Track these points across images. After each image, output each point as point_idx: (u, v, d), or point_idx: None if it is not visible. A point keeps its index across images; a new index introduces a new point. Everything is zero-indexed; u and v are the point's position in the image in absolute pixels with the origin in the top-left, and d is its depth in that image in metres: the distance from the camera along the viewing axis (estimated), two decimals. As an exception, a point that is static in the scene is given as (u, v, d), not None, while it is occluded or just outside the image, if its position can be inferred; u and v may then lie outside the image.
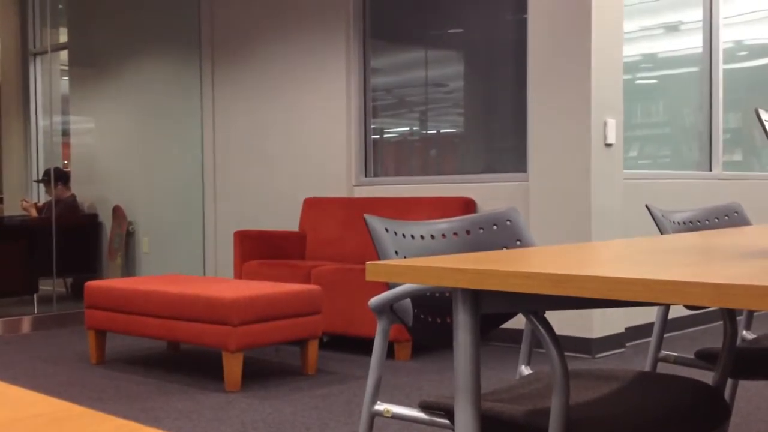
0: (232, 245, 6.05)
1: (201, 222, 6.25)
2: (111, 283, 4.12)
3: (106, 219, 6.93)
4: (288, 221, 5.69)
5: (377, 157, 5.40)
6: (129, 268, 6.78)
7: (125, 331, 3.97)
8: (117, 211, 6.78)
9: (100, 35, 7.04)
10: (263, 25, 5.82)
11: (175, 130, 6.46)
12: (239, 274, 4.94)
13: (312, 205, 5.30)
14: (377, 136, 5.41)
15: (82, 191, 7.03)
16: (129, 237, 6.77)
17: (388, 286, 1.43)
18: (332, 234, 5.12)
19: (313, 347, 3.83)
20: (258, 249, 5.02)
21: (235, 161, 6.03)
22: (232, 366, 3.52)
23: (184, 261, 6.37)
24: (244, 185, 5.97)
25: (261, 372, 3.92)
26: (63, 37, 7.37)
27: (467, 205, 4.63)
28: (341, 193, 5.38)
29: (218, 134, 6.14)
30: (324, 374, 3.85)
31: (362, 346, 4.57)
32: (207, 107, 6.18)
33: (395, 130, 5.35)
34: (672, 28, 5.19)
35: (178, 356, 4.34)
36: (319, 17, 5.50)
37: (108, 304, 4.05)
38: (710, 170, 5.39)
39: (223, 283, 3.99)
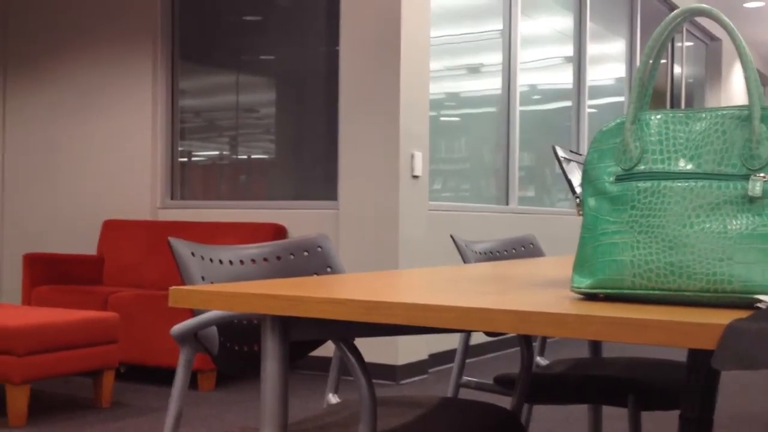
0: (21, 269, 5.60)
1: (-15, 243, 5.74)
2: None
3: None
4: (85, 244, 5.37)
5: (185, 180, 5.24)
6: None
7: None
8: None
9: None
10: (64, 38, 5.50)
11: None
12: (27, 301, 4.58)
13: (112, 228, 5.03)
14: (185, 159, 5.25)
15: None
16: None
17: (193, 313, 1.37)
18: (133, 258, 4.88)
19: (108, 378, 3.61)
20: (50, 273, 4.69)
21: (28, 179, 5.61)
22: (17, 399, 3.23)
23: (-36, 286, 5.81)
24: (37, 205, 5.56)
25: (50, 405, 3.64)
26: None
27: (277, 231, 4.59)
28: (145, 215, 5.16)
29: (9, 150, 5.70)
30: (119, 407, 3.64)
31: (163, 376, 4.37)
32: (-3, 119, 5.72)
33: (205, 153, 5.22)
34: (474, 70, 5.48)
35: (-48, 391, 3.93)
36: (126, 34, 5.28)
37: None
38: (507, 204, 5.73)
39: (8, 309, 3.67)
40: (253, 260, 1.55)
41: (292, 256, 1.61)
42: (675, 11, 0.99)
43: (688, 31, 9.18)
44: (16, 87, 5.69)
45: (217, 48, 5.17)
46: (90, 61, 5.42)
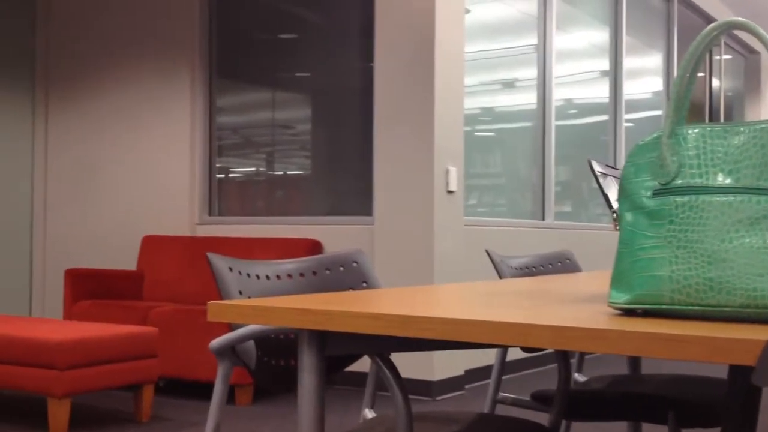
0: (62, 284, 5.69)
1: (28, 259, 5.86)
2: None
3: None
4: (125, 260, 5.45)
5: (222, 196, 5.30)
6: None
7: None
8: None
9: None
10: (105, 57, 5.61)
11: (1, 160, 6.05)
12: (69, 315, 4.65)
13: (151, 244, 5.10)
14: (222, 175, 5.31)
15: None
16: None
17: (231, 327, 1.39)
18: (172, 274, 4.94)
19: (147, 392, 3.65)
20: (91, 288, 4.76)
21: (69, 196, 5.72)
22: (58, 413, 3.28)
23: (8, 301, 5.93)
24: (78, 221, 5.67)
25: (90, 419, 3.69)
26: None
27: (313, 247, 4.62)
28: (183, 231, 5.22)
29: (51, 167, 5.82)
30: (158, 421, 3.67)
31: (201, 390, 4.41)
32: (39, 140, 5.85)
33: (241, 169, 5.28)
34: (509, 85, 5.47)
35: (-4, 404, 4.00)
36: (164, 53, 5.37)
37: None
38: (543, 219, 5.69)
39: (50, 323, 3.73)
40: (289, 275, 1.56)
41: (328, 271, 1.62)
42: (712, 24, 0.99)
43: (726, 44, 9.07)
44: (58, 105, 5.81)
45: (254, 66, 5.23)
46: (129, 79, 5.52)
